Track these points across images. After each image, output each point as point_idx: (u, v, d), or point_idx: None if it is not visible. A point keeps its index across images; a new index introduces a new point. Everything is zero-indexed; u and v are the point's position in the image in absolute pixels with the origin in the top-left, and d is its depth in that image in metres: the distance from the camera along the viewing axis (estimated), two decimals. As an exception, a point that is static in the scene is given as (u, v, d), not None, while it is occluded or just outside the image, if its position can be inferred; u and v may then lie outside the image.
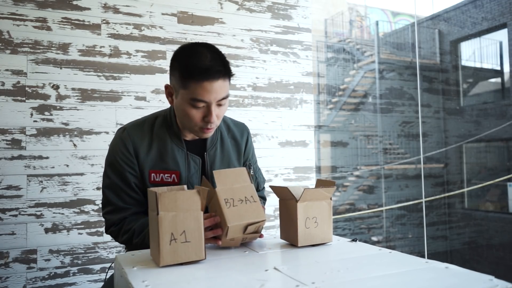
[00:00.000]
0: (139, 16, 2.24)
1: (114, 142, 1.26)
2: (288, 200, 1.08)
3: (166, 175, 1.22)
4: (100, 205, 2.09)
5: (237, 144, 1.37)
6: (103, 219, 2.08)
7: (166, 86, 1.21)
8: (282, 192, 1.09)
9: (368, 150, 8.73)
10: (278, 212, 1.50)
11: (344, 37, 9.45)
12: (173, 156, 1.23)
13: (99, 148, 2.10)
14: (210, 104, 1.12)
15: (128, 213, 1.23)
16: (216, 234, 1.02)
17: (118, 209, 1.23)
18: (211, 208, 1.07)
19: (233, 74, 1.17)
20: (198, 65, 1.09)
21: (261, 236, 1.11)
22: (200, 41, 1.21)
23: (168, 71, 1.22)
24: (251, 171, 1.40)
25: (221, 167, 1.30)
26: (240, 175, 1.07)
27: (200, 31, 2.36)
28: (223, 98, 1.14)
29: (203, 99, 1.11)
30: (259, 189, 1.49)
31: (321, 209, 1.07)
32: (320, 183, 1.11)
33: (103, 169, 1.30)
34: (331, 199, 1.09)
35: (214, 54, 1.13)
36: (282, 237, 1.13)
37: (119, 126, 2.13)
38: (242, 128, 1.42)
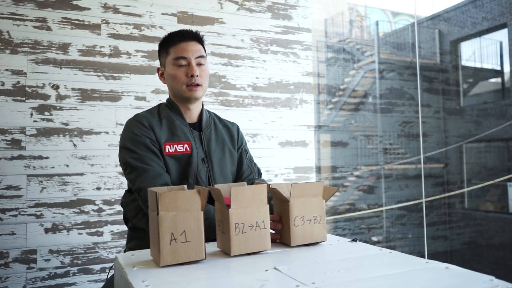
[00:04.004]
0: (139, 16, 2.24)
1: (128, 125, 1.35)
2: (279, 200, 1.10)
3: (179, 145, 1.34)
4: (101, 206, 2.09)
5: (230, 131, 1.51)
6: (103, 219, 2.09)
7: (158, 69, 1.46)
8: (274, 193, 1.10)
9: (368, 150, 8.72)
10: None
11: (344, 37, 9.44)
12: (181, 129, 1.37)
13: (99, 148, 2.10)
14: (190, 60, 1.35)
15: (166, 179, 1.27)
16: (274, 238, 1.11)
17: (155, 175, 1.26)
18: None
19: (204, 41, 1.43)
20: (175, 33, 1.39)
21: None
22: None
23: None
24: (247, 156, 1.52)
25: (216, 145, 1.42)
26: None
27: (200, 31, 2.35)
28: (201, 57, 1.38)
29: (183, 55, 1.35)
30: (261, 175, 1.58)
31: (312, 206, 1.07)
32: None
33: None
34: (324, 198, 1.09)
35: (188, 30, 1.41)
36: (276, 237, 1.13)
37: (119, 126, 2.14)
38: (233, 123, 1.57)
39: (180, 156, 1.33)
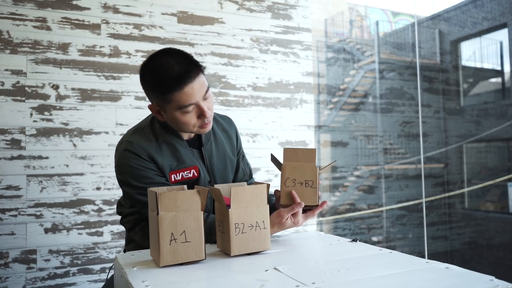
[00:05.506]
0: (139, 16, 2.24)
1: (124, 158, 1.20)
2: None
3: (185, 172, 1.24)
4: (101, 206, 2.09)
5: (229, 136, 1.41)
6: (103, 219, 2.09)
7: (150, 107, 1.22)
8: (272, 158, 1.19)
9: (368, 150, 8.72)
10: None
11: (344, 37, 9.44)
12: (186, 153, 1.25)
13: (99, 148, 2.10)
14: (199, 102, 1.15)
15: None
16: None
17: None
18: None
19: (204, 67, 1.19)
20: (171, 76, 1.12)
21: (324, 203, 1.19)
22: (157, 50, 1.22)
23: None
24: (243, 159, 1.46)
25: (218, 159, 1.33)
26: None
27: (200, 31, 2.36)
28: (206, 92, 1.17)
29: (190, 102, 1.14)
30: (251, 177, 1.54)
31: (304, 171, 1.13)
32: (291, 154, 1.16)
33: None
34: (319, 167, 1.15)
35: (178, 58, 1.15)
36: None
37: (119, 126, 2.14)
38: (229, 120, 1.46)
39: (186, 180, 1.24)
